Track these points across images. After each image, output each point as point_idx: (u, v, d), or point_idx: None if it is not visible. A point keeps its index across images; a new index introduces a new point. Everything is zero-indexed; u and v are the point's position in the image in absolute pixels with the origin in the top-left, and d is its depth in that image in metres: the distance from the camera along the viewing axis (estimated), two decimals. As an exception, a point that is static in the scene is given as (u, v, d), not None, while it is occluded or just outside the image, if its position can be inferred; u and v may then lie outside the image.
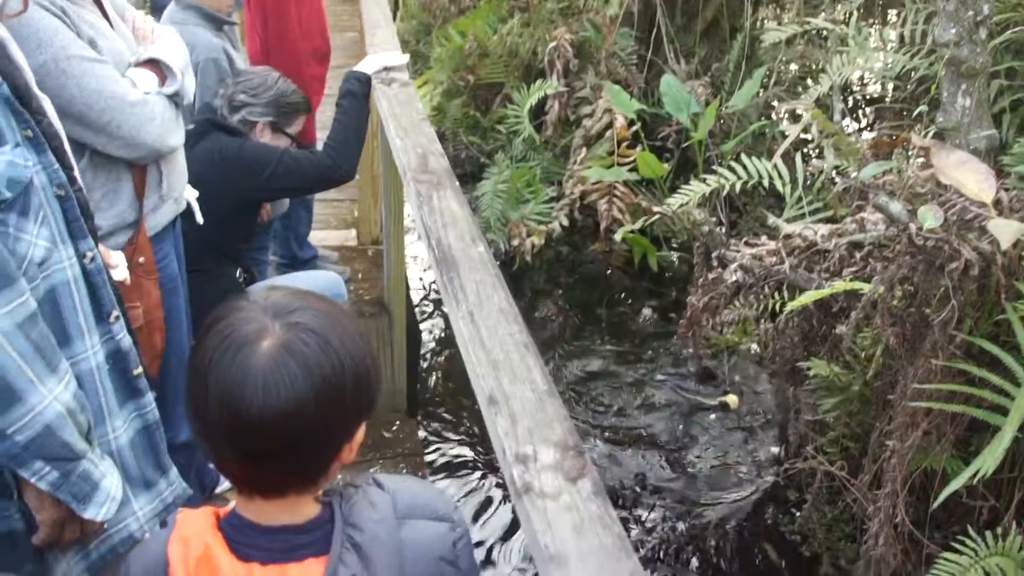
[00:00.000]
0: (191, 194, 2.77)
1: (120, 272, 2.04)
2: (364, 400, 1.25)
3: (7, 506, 1.66)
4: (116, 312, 1.83)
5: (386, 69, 3.44)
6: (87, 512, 1.67)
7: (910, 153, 3.03)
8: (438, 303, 5.72)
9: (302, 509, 1.27)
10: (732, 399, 4.74)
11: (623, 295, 5.92)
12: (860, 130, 6.22)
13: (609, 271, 6.10)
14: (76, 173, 1.79)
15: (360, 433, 1.29)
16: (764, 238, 3.21)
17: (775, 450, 4.31)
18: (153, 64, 2.43)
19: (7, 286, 1.50)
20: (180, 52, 2.51)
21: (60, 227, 1.69)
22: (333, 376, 1.19)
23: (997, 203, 2.51)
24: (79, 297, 1.73)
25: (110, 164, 2.38)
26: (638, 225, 4.56)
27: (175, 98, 2.46)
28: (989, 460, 2.51)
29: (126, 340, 1.85)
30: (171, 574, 1.26)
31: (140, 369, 1.90)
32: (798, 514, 3.77)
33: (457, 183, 2.42)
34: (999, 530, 2.76)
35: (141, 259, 2.44)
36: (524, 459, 1.43)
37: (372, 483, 1.34)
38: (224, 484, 3.17)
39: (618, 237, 4.63)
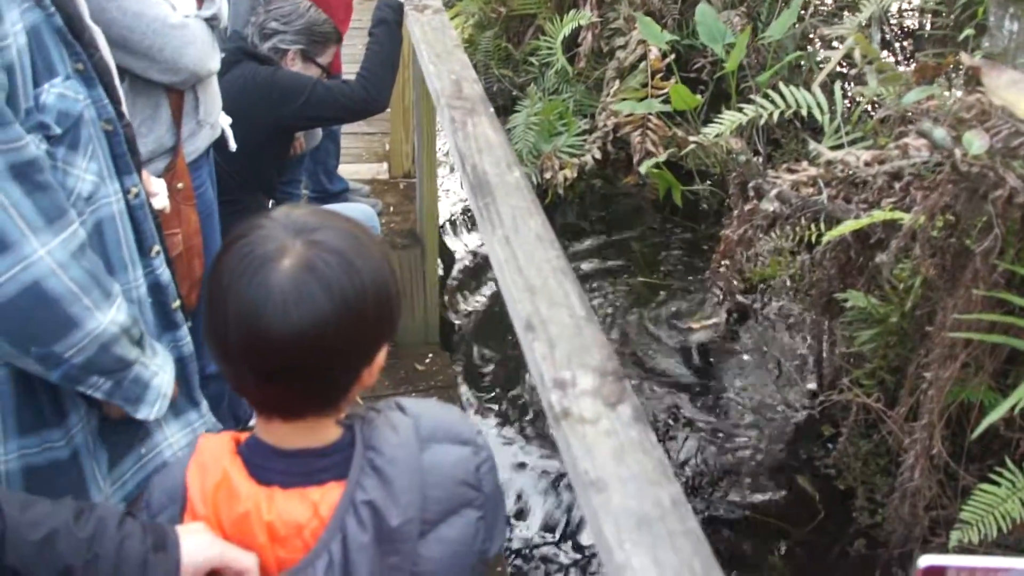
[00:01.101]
0: (225, 121, 2.76)
1: (160, 200, 2.04)
2: (386, 322, 1.24)
3: (51, 435, 1.67)
4: (157, 247, 1.85)
5: (418, -5, 3.39)
6: (139, 413, 1.70)
7: (953, 80, 2.95)
8: (470, 236, 5.71)
9: (322, 433, 1.26)
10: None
11: (655, 229, 5.88)
12: (897, 62, 6.09)
13: (642, 205, 6.05)
14: (124, 108, 1.78)
15: (382, 357, 1.27)
16: (805, 163, 3.15)
17: (810, 384, 4.29)
18: None
19: (59, 217, 1.51)
20: None
21: (107, 162, 1.69)
22: (355, 297, 1.16)
23: (1047, 127, 2.46)
24: (124, 232, 1.74)
25: (148, 90, 2.38)
26: (663, 157, 4.48)
27: (212, 21, 2.45)
28: (1031, 391, 2.49)
29: (165, 274, 1.86)
30: (189, 499, 1.27)
31: (178, 302, 1.91)
32: (833, 447, 3.75)
33: (492, 109, 2.38)
34: (1037, 462, 2.75)
35: (180, 185, 2.44)
36: (562, 384, 1.41)
37: (394, 407, 1.33)
38: (258, 416, 3.19)
39: (643, 170, 4.55)
